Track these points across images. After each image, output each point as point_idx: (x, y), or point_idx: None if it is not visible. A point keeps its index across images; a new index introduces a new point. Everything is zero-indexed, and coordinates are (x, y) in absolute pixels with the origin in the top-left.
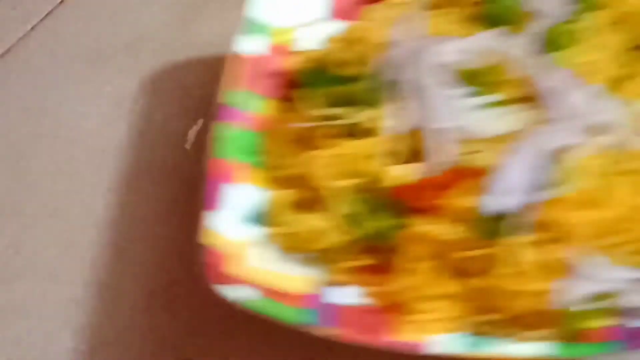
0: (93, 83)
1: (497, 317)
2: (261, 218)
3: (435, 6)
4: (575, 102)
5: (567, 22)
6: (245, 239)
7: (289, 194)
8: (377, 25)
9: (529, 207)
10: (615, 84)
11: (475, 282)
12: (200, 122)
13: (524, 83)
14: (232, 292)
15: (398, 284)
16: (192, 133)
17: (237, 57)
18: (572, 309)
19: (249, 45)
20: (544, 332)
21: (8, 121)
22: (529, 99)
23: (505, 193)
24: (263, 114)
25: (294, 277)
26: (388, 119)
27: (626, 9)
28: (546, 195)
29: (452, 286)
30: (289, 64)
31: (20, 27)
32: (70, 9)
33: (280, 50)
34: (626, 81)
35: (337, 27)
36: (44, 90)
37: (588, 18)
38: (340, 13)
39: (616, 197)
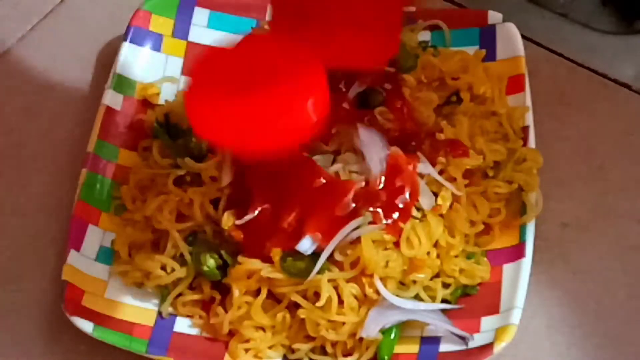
0: (93, 82)
1: (314, 345)
2: (114, 257)
3: None
4: (375, 155)
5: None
6: (101, 275)
7: (134, 235)
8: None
9: (339, 248)
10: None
11: (296, 314)
12: None
13: (342, 137)
14: (84, 324)
15: (227, 316)
16: None
17: (106, 110)
18: (381, 336)
19: (116, 99)
20: (356, 358)
21: (8, 120)
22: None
23: (316, 236)
24: (121, 162)
25: (140, 309)
26: (225, 168)
27: (444, 69)
28: (353, 236)
29: (274, 317)
30: (145, 116)
31: (20, 27)
32: (70, 9)
33: (143, 103)
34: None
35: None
36: (44, 90)
37: (407, 78)
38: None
39: (414, 241)
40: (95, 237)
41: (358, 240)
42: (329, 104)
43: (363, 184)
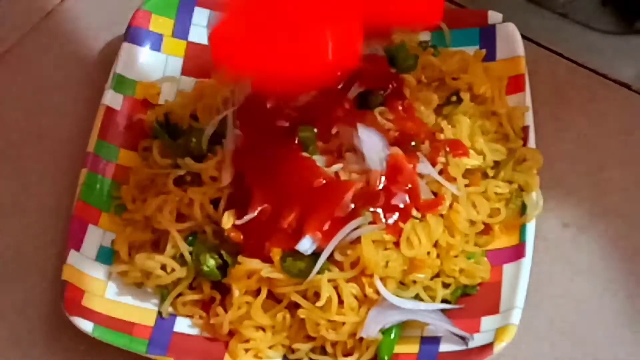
0: (94, 82)
1: (314, 345)
2: (114, 256)
3: None
4: (375, 155)
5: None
6: (101, 275)
7: (134, 235)
8: (223, 82)
9: (339, 248)
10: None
11: (296, 314)
12: None
13: (342, 137)
14: (84, 324)
15: (227, 316)
16: None
17: (106, 110)
18: (381, 336)
19: (116, 99)
20: (356, 358)
21: (8, 120)
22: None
23: (316, 236)
24: (121, 162)
25: (140, 309)
26: (224, 168)
27: (444, 69)
28: (353, 236)
29: (274, 317)
30: (145, 116)
31: (20, 27)
32: (70, 9)
33: (143, 103)
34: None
35: (191, 82)
36: (44, 90)
37: (407, 78)
38: (194, 70)
39: (414, 241)
40: (95, 237)
41: (358, 240)
42: (358, 53)
43: (363, 184)
